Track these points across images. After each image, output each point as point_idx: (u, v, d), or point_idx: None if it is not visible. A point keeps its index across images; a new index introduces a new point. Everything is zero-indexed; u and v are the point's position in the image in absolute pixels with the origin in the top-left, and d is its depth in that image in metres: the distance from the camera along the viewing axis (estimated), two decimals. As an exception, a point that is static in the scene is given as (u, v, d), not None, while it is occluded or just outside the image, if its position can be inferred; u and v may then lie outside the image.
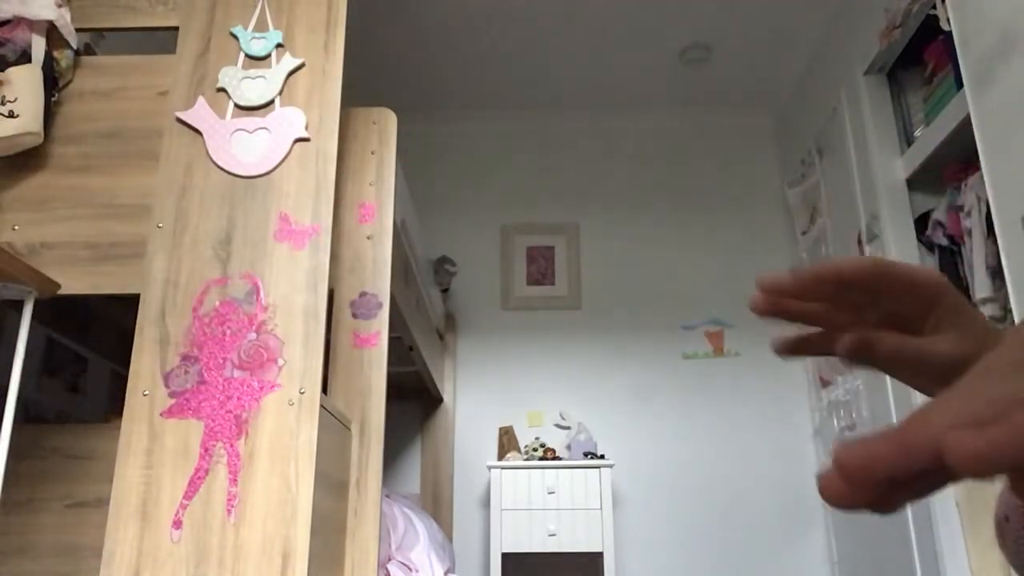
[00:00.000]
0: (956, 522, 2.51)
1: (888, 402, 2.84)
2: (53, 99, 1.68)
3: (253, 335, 1.51)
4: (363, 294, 1.93)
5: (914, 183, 2.87)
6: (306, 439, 1.46)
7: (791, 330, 0.45)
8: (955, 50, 2.29)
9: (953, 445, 0.23)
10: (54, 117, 1.69)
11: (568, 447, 3.43)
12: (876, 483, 0.26)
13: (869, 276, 0.41)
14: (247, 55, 1.72)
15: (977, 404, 0.25)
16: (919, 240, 2.82)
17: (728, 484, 3.57)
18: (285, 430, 1.46)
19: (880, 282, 0.41)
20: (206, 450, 1.44)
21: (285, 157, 1.64)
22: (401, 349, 2.68)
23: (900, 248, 2.80)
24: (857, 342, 0.36)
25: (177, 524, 1.40)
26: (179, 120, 1.66)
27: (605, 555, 3.04)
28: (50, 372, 2.15)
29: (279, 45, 1.73)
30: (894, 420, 2.80)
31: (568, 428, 3.56)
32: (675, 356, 3.76)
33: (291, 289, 1.55)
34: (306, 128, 1.66)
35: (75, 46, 1.74)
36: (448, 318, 3.76)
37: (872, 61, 2.96)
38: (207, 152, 1.64)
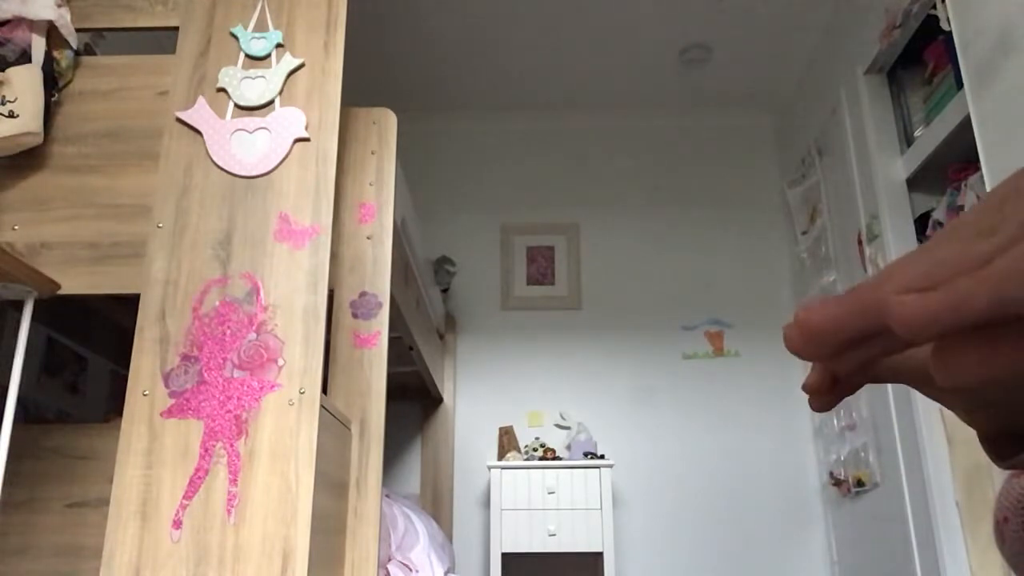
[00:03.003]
0: (956, 522, 2.51)
1: (888, 401, 2.85)
2: (53, 99, 1.68)
3: (253, 335, 1.51)
4: (363, 294, 1.93)
5: (914, 183, 2.87)
6: (306, 439, 1.46)
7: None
8: (955, 50, 2.29)
9: (896, 309, 0.23)
10: (54, 117, 1.69)
11: (568, 447, 3.43)
12: (832, 342, 0.27)
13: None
14: (247, 55, 1.72)
15: (927, 267, 0.24)
16: (919, 240, 2.82)
17: (728, 484, 3.57)
18: (285, 430, 1.46)
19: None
20: (206, 450, 1.44)
21: (285, 157, 1.64)
22: (401, 349, 2.68)
23: (900, 248, 2.80)
24: (853, 374, 0.35)
25: (177, 524, 1.40)
26: (179, 120, 1.66)
27: (605, 555, 3.04)
28: (50, 372, 2.15)
29: (279, 45, 1.73)
30: (894, 418, 2.81)
31: (568, 428, 3.56)
32: (675, 356, 3.76)
33: (291, 289, 1.55)
34: (306, 128, 1.66)
35: (75, 46, 1.74)
36: (448, 318, 3.76)
37: (872, 61, 2.96)
38: (207, 152, 1.64)
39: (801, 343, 0.27)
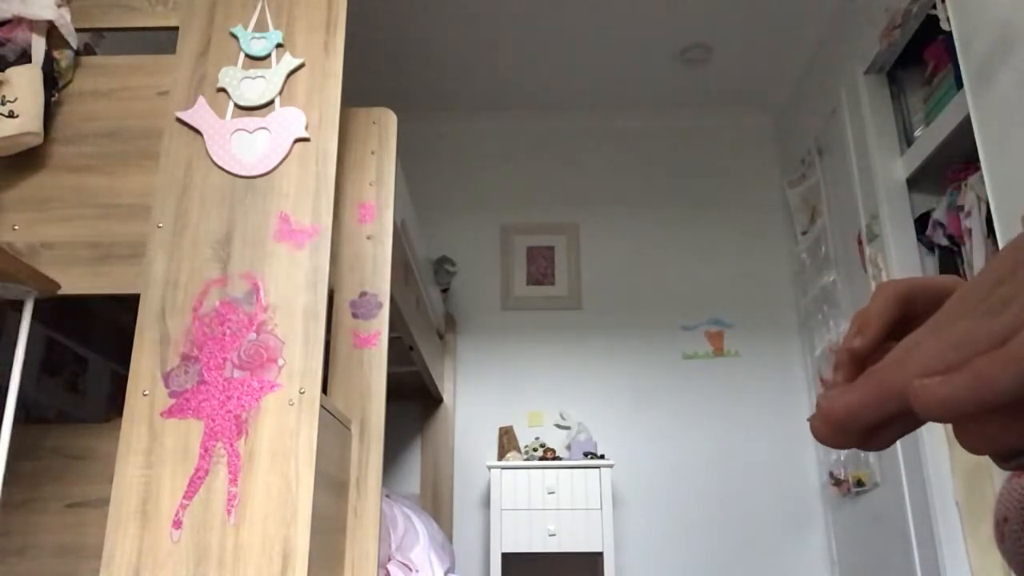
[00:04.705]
0: (956, 522, 2.51)
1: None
2: (53, 99, 1.68)
3: (253, 335, 1.51)
4: (363, 294, 1.93)
5: (914, 183, 2.87)
6: (306, 439, 1.46)
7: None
8: (955, 50, 2.29)
9: (919, 394, 0.24)
10: (54, 117, 1.69)
11: (568, 447, 3.43)
12: (857, 430, 0.27)
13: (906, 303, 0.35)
14: (247, 55, 1.72)
15: (943, 347, 0.25)
16: (919, 240, 2.82)
17: (728, 484, 3.57)
18: (285, 430, 1.46)
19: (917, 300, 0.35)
20: (206, 450, 1.44)
21: (285, 157, 1.64)
22: (401, 349, 2.68)
23: (900, 248, 2.80)
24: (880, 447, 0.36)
25: (177, 524, 1.40)
26: (179, 120, 1.66)
27: (605, 555, 3.04)
28: (50, 372, 2.15)
29: (279, 45, 1.73)
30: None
31: (568, 428, 3.56)
32: (675, 356, 3.75)
33: (291, 289, 1.55)
34: (306, 128, 1.66)
35: (75, 46, 1.74)
36: (448, 318, 3.76)
37: (872, 61, 2.96)
38: (207, 152, 1.64)
39: (828, 434, 0.28)
